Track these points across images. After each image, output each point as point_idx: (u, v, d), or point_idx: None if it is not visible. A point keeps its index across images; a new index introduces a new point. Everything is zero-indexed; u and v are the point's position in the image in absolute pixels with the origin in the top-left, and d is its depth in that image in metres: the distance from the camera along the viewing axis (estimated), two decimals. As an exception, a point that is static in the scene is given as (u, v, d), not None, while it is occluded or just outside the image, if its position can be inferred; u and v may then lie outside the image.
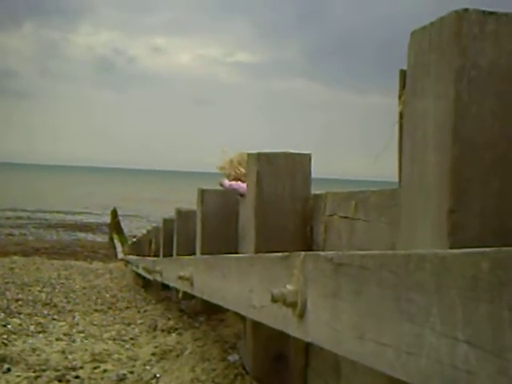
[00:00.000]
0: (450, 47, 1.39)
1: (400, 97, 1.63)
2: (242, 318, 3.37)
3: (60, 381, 3.56)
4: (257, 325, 2.89)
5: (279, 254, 1.74)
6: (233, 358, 3.60)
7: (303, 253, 1.55)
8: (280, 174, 2.99)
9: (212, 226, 4.52)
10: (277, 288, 1.58)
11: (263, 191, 2.98)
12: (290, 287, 1.54)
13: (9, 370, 3.76)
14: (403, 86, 1.60)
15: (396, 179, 1.77)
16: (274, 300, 1.57)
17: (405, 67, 1.58)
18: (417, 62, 1.50)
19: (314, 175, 3.06)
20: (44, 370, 3.75)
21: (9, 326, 5.15)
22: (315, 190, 3.03)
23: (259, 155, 3.02)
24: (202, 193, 4.62)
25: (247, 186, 3.18)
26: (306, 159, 3.04)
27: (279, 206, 2.97)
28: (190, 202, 5.73)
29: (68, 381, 3.58)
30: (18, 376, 3.62)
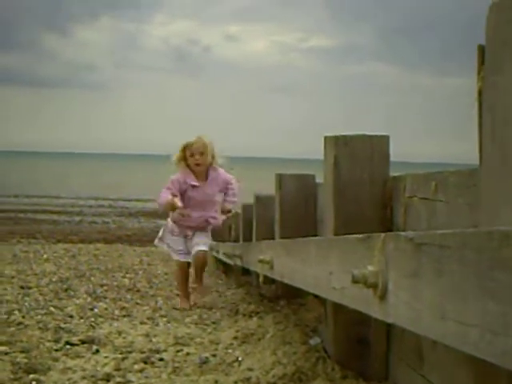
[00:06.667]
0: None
1: (479, 73, 1.59)
2: (323, 302, 3.38)
3: (145, 362, 3.65)
4: (338, 308, 2.89)
5: (359, 235, 1.73)
6: (314, 341, 3.61)
7: (383, 234, 1.54)
8: (358, 157, 2.97)
9: (290, 210, 4.53)
10: (357, 269, 1.58)
11: (341, 175, 2.97)
12: (370, 268, 1.54)
13: (97, 351, 3.88)
14: (482, 61, 1.56)
15: (470, 162, 1.74)
16: (355, 281, 1.57)
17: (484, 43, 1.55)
18: (496, 35, 1.47)
19: (392, 158, 3.03)
20: (130, 352, 3.85)
21: (95, 310, 5.31)
22: (393, 173, 3.00)
23: (336, 138, 3.01)
24: (280, 178, 4.63)
25: (324, 169, 3.17)
26: (384, 141, 3.01)
27: (357, 189, 2.96)
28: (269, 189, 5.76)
29: (153, 363, 3.66)
30: (106, 357, 3.73)
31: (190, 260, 5.82)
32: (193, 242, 5.80)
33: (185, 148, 5.65)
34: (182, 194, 5.63)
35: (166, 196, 5.54)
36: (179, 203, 5.44)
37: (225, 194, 5.89)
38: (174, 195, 5.54)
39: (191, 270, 6.01)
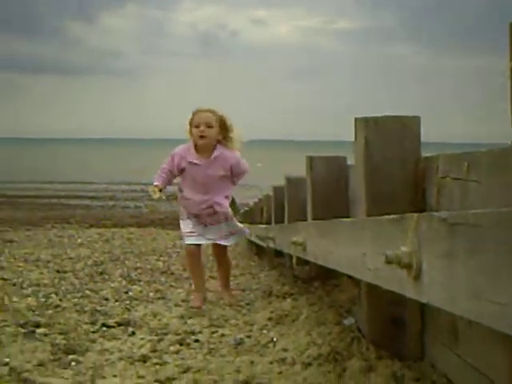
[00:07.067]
0: None
1: (511, 52, 1.59)
2: (357, 283, 3.39)
3: (181, 344, 3.70)
4: (372, 289, 2.90)
5: (392, 216, 1.75)
6: (348, 321, 3.62)
7: (417, 214, 1.55)
8: (389, 138, 2.96)
9: (322, 191, 4.53)
10: (391, 250, 1.59)
11: (372, 156, 2.97)
12: (404, 249, 1.55)
13: (133, 333, 3.95)
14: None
15: (499, 141, 1.72)
16: (389, 262, 1.59)
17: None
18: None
19: (421, 139, 3.02)
20: (165, 334, 3.91)
21: (130, 293, 5.38)
22: (424, 154, 2.99)
23: (367, 120, 3.00)
24: (311, 160, 4.63)
25: (355, 151, 3.17)
26: (415, 122, 3.00)
27: (389, 171, 2.95)
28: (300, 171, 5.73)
29: (188, 344, 3.71)
30: (142, 339, 3.79)
31: (202, 242, 5.01)
32: (208, 236, 5.02)
33: (193, 116, 4.85)
34: (182, 172, 4.90)
35: (156, 178, 4.92)
36: (157, 194, 4.77)
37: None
38: (170, 172, 4.87)
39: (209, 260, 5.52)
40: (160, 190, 4.80)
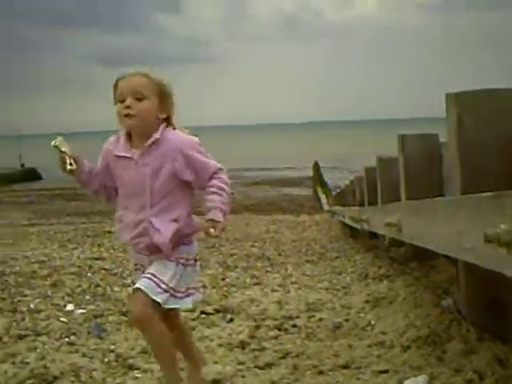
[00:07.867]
0: None
1: None
2: (455, 263, 3.32)
3: (279, 329, 3.72)
4: (470, 269, 2.83)
5: (489, 193, 1.70)
6: (447, 303, 3.56)
7: (515, 191, 1.50)
8: (482, 113, 2.88)
9: (415, 170, 4.46)
10: (490, 228, 1.55)
11: (465, 132, 2.89)
12: (503, 227, 1.51)
13: (231, 319, 4.00)
14: None
15: None
16: (488, 240, 1.54)
17: None
18: None
19: None
20: (263, 320, 3.94)
21: (227, 280, 5.45)
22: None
23: (458, 96, 2.92)
24: (402, 138, 4.56)
25: (447, 127, 3.09)
26: (509, 94, 2.90)
27: (483, 146, 2.87)
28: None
29: (286, 329, 3.73)
30: (240, 325, 3.84)
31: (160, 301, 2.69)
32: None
33: (115, 85, 2.78)
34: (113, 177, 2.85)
35: None
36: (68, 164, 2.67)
37: (205, 186, 2.97)
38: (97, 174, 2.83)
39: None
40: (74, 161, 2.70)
